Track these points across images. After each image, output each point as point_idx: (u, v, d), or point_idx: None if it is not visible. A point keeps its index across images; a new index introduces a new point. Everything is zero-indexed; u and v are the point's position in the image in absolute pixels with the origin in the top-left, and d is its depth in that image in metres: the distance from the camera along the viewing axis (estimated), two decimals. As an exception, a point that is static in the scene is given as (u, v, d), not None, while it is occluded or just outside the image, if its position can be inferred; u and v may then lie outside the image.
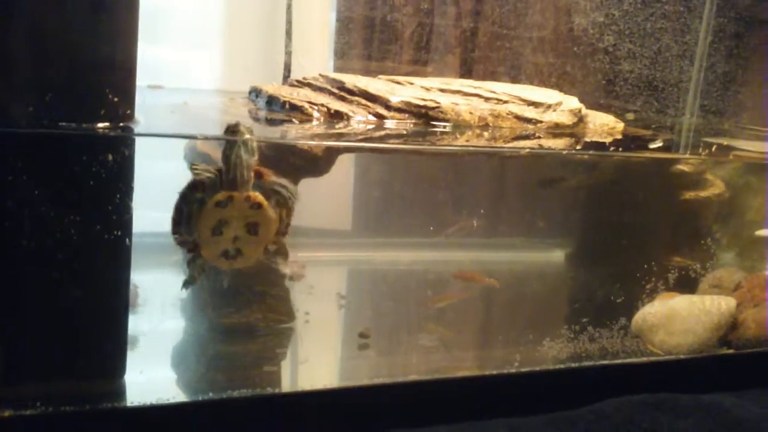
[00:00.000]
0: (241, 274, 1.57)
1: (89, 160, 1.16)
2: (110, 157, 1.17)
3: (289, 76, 2.06)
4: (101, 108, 1.18)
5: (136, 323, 1.55)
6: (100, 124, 1.20)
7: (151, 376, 1.41)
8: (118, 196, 1.19)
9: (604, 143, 1.84)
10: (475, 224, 2.06)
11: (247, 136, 1.32)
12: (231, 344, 1.57)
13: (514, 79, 2.15)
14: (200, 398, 1.36)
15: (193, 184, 1.32)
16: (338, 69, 2.19)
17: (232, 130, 1.32)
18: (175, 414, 1.30)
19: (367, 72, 2.01)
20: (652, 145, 1.83)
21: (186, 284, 1.40)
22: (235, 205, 1.33)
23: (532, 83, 2.11)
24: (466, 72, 2.26)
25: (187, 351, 1.55)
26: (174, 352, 1.53)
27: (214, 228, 1.33)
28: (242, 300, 1.60)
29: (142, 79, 1.98)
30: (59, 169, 1.16)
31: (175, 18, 2.04)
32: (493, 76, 2.20)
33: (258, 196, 1.35)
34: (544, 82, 2.14)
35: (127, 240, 1.26)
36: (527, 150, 1.66)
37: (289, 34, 2.10)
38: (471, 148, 1.73)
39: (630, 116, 2.21)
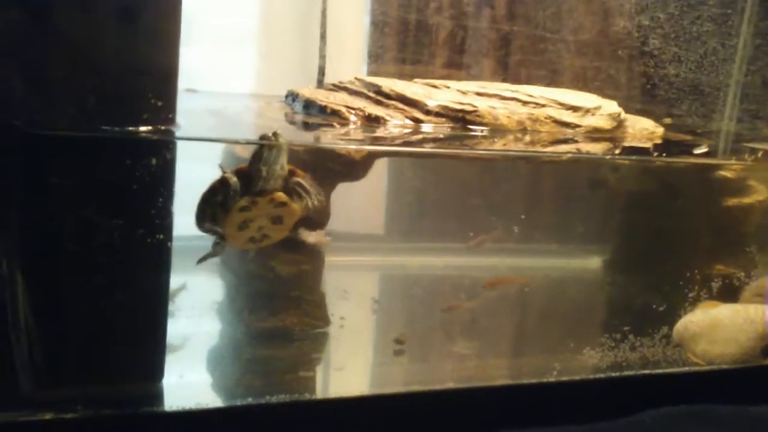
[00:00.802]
0: (277, 279, 1.57)
1: (132, 163, 1.16)
2: (153, 160, 1.17)
3: (323, 80, 2.06)
4: (144, 112, 1.18)
5: (174, 327, 1.56)
6: (143, 128, 1.20)
7: (189, 380, 1.41)
8: (159, 199, 1.19)
9: (644, 148, 1.81)
10: (499, 234, 2.03)
11: (281, 142, 1.33)
12: (267, 348, 1.57)
13: (553, 83, 2.13)
14: (236, 403, 1.36)
15: (213, 188, 1.34)
16: (372, 72, 2.18)
17: (265, 138, 1.33)
18: (211, 419, 1.30)
19: (401, 75, 2.01)
20: (697, 151, 1.80)
21: (203, 259, 1.41)
22: (260, 208, 1.36)
23: (571, 87, 2.08)
24: (503, 76, 2.24)
25: (223, 355, 1.55)
26: (210, 356, 1.54)
27: (240, 225, 1.36)
28: (278, 304, 1.59)
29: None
30: (102, 173, 1.16)
31: (211, 22, 2.05)
32: (530, 80, 2.18)
33: (282, 196, 1.38)
34: (584, 86, 2.11)
35: (168, 244, 1.26)
36: (568, 155, 1.63)
37: (323, 37, 2.10)
38: (506, 152, 1.71)
39: (668, 121, 2.18)
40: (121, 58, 1.15)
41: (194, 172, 1.47)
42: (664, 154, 1.76)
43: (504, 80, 2.15)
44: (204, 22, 2.05)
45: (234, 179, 1.34)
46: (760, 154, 1.87)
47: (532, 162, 1.95)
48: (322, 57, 2.11)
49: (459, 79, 2.09)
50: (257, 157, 1.34)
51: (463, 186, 2.08)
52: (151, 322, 1.28)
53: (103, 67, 1.13)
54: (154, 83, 1.19)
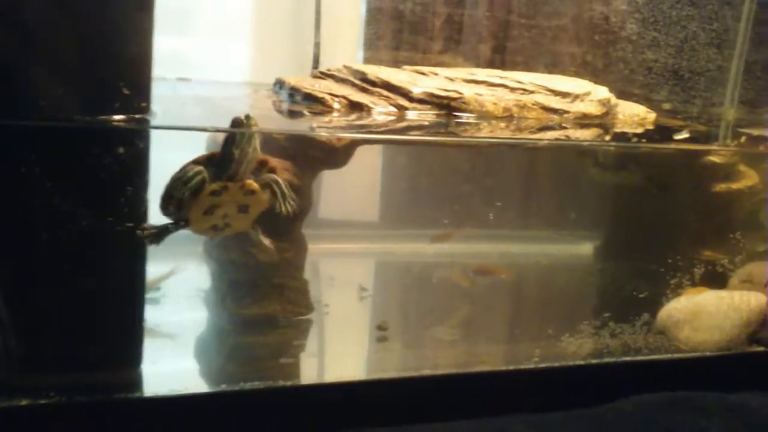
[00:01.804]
0: (259, 266, 1.58)
1: (102, 153, 1.17)
2: (122, 149, 1.17)
3: (317, 68, 2.05)
4: (115, 101, 1.18)
5: (154, 314, 1.57)
6: (115, 117, 1.20)
7: (169, 367, 1.42)
8: (131, 188, 1.20)
9: (631, 134, 1.79)
10: (467, 230, 2.03)
11: (251, 125, 1.32)
12: (249, 335, 1.58)
13: (550, 70, 2.11)
14: (217, 389, 1.36)
15: (183, 171, 1.32)
16: (368, 60, 2.18)
17: (236, 123, 1.32)
18: (190, 405, 1.31)
19: (397, 63, 2.00)
20: (678, 136, 1.78)
21: (152, 242, 1.33)
22: (230, 194, 1.35)
23: (568, 74, 2.07)
24: (499, 63, 2.22)
25: (205, 342, 1.56)
26: (192, 343, 1.54)
27: (206, 210, 1.35)
28: (261, 292, 1.60)
29: (171, 72, 2.03)
30: (72, 162, 1.17)
31: (205, 11, 2.06)
32: (526, 67, 2.16)
33: (252, 184, 1.36)
34: (580, 73, 2.09)
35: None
36: (545, 141, 1.62)
37: (317, 25, 2.09)
38: (485, 140, 1.70)
39: (666, 106, 2.16)
40: (90, 47, 1.15)
41: (174, 160, 1.48)
42: (644, 141, 1.75)
43: (501, 67, 2.14)
44: (199, 12, 2.06)
45: (200, 166, 1.33)
46: (743, 139, 1.85)
47: (517, 149, 1.94)
48: (317, 45, 2.10)
49: (455, 66, 2.08)
50: (229, 140, 1.33)
51: (450, 173, 2.07)
52: (127, 309, 1.29)
53: (71, 56, 1.14)
54: (125, 72, 1.20)
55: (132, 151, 1.20)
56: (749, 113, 2.23)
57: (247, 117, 1.32)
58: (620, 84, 2.04)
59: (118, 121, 1.20)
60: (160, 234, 1.33)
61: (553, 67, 2.14)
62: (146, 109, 1.26)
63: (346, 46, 2.21)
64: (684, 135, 1.78)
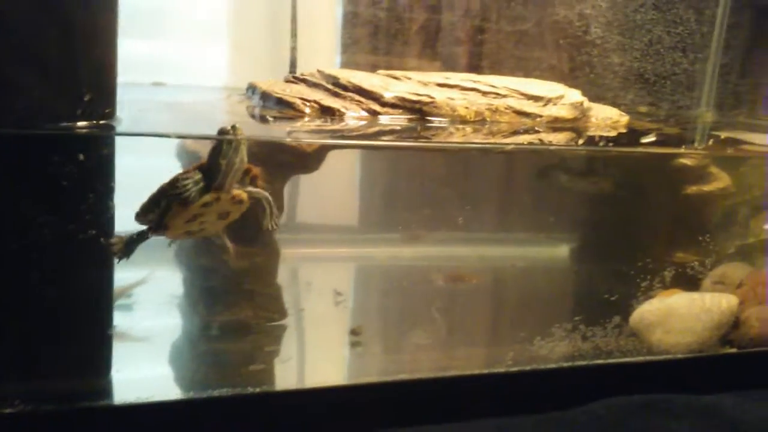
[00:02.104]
0: (231, 272, 1.57)
1: (62, 160, 1.16)
2: (84, 156, 1.16)
3: (294, 73, 2.05)
4: (77, 108, 1.17)
5: (125, 320, 1.56)
6: (79, 124, 1.20)
7: (139, 374, 1.41)
8: (93, 194, 1.19)
9: (598, 137, 1.80)
10: (437, 233, 2.03)
11: (239, 137, 1.31)
12: (221, 342, 1.57)
13: (527, 74, 2.11)
14: (188, 396, 1.36)
15: (174, 181, 1.31)
16: (345, 64, 2.18)
17: (223, 132, 1.31)
18: (159, 412, 1.30)
19: (374, 67, 2.00)
20: (645, 140, 1.78)
21: (122, 256, 1.33)
22: (220, 204, 1.34)
23: (545, 78, 2.07)
24: (476, 67, 2.22)
25: (176, 348, 1.55)
26: (163, 350, 1.53)
27: (190, 219, 1.34)
28: (232, 298, 1.59)
29: (147, 76, 2.02)
30: (34, 169, 1.16)
31: (182, 15, 2.05)
32: (504, 71, 2.17)
33: (242, 194, 1.36)
34: (559, 77, 2.09)
35: (109, 238, 1.26)
36: (511, 146, 1.62)
37: (294, 30, 2.09)
38: (450, 145, 1.70)
39: (643, 109, 2.16)
40: (49, 52, 1.14)
41: (142, 166, 1.47)
42: (611, 144, 1.75)
43: (478, 71, 2.14)
44: (175, 16, 2.05)
45: (199, 175, 1.32)
46: (710, 142, 1.85)
47: (490, 153, 1.94)
48: (293, 49, 2.10)
49: (433, 70, 2.08)
50: (216, 151, 1.32)
51: (422, 177, 2.07)
52: (94, 316, 1.28)
53: (29, 62, 1.13)
54: (87, 78, 1.19)
55: (94, 157, 1.19)
56: (721, 116, 2.25)
57: (233, 127, 1.30)
58: (596, 89, 2.04)
59: (81, 128, 1.19)
60: (130, 245, 1.32)
61: (531, 71, 2.15)
62: (111, 115, 1.25)
63: (323, 50, 2.21)
64: (651, 138, 1.78)
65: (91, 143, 1.18)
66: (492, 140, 1.69)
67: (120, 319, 1.55)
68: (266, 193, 1.40)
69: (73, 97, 1.16)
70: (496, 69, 2.18)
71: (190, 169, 1.33)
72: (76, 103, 1.17)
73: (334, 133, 1.65)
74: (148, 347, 1.53)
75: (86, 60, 1.17)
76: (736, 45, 2.19)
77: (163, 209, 1.32)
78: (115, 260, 1.32)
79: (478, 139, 1.69)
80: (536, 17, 2.10)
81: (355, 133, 1.63)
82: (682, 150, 1.85)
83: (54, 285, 1.21)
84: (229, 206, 1.36)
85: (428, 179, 2.08)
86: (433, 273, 2.00)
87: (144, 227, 1.34)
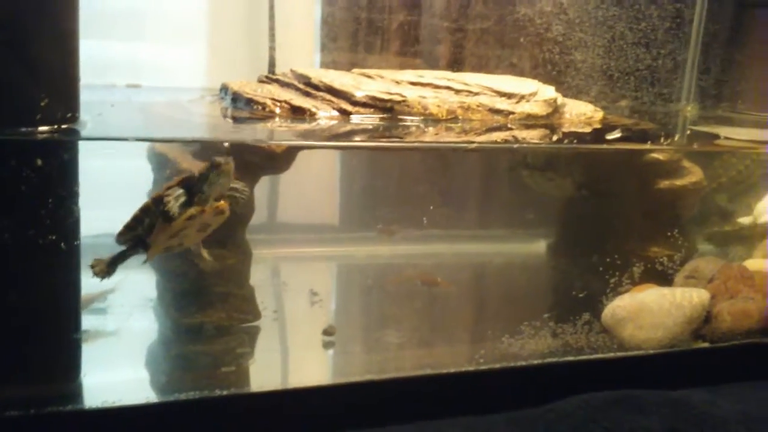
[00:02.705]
0: (202, 275, 1.57)
1: (22, 165, 1.15)
2: (43, 161, 1.16)
3: (274, 72, 2.05)
4: (36, 112, 1.17)
5: (97, 324, 1.56)
6: (40, 128, 1.19)
7: (110, 378, 1.41)
8: (53, 199, 1.19)
9: (562, 134, 1.80)
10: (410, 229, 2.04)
11: (229, 163, 1.34)
12: (193, 344, 1.57)
13: (509, 71, 2.11)
14: (157, 400, 1.35)
15: (157, 199, 1.33)
16: (324, 64, 2.17)
17: (216, 165, 1.33)
18: (128, 417, 1.29)
19: (354, 66, 2.00)
20: (610, 136, 1.78)
21: (104, 277, 1.37)
22: (204, 217, 1.37)
23: (526, 75, 2.07)
24: (457, 64, 2.22)
25: (148, 352, 1.54)
26: (135, 353, 1.53)
27: (173, 236, 1.36)
28: (205, 300, 1.59)
29: (122, 78, 2.01)
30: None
31: (158, 17, 2.04)
32: (485, 69, 2.17)
33: (224, 205, 1.38)
34: (541, 74, 2.09)
35: (74, 243, 1.26)
36: (475, 144, 1.62)
37: (272, 29, 2.08)
38: (416, 144, 1.70)
39: (623, 104, 2.16)
40: (7, 56, 1.14)
41: (107, 170, 1.48)
42: (575, 141, 1.75)
43: (459, 69, 2.13)
44: (153, 17, 2.04)
45: (180, 190, 1.34)
46: (676, 137, 1.86)
47: (459, 151, 1.95)
48: (272, 49, 2.10)
49: (413, 68, 2.08)
50: (203, 178, 1.34)
51: (394, 176, 2.07)
52: (60, 321, 1.28)
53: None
54: (47, 82, 1.19)
55: (54, 162, 1.18)
56: (704, 110, 2.25)
57: (227, 160, 1.34)
58: (577, 85, 2.04)
59: (41, 132, 1.19)
60: (112, 266, 1.35)
61: (512, 69, 2.14)
62: (73, 119, 1.25)
63: (301, 49, 2.20)
64: (617, 134, 1.78)
65: (50, 148, 1.18)
66: (456, 139, 1.69)
67: (92, 323, 1.56)
68: (235, 185, 1.41)
69: (31, 102, 1.15)
70: (477, 67, 2.18)
71: (172, 184, 1.35)
72: (34, 108, 1.16)
73: (304, 134, 1.64)
74: (119, 350, 1.53)
75: (42, 66, 1.17)
76: (715, 39, 2.20)
77: (146, 227, 1.34)
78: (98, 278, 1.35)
79: (448, 138, 1.69)
80: (513, 14, 2.09)
81: (325, 133, 1.62)
82: (644, 146, 1.84)
83: (16, 290, 1.21)
84: (210, 218, 1.38)
85: (398, 178, 2.09)
86: (406, 272, 2.01)
87: (124, 247, 1.36)
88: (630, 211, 1.92)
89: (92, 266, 1.34)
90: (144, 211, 1.34)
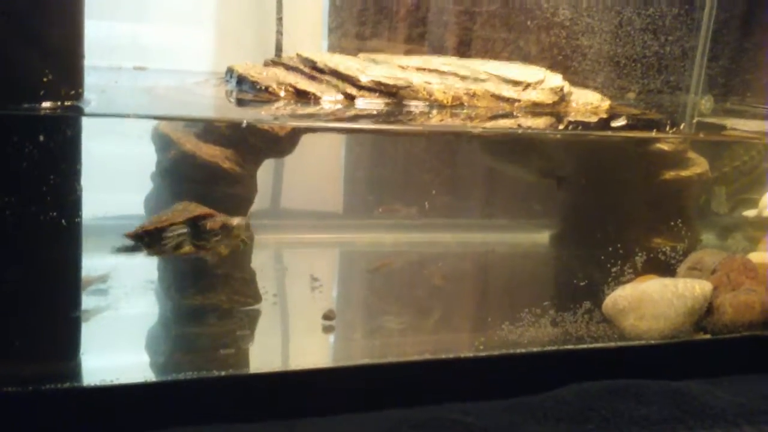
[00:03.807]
0: (204, 266, 1.57)
1: (23, 140, 1.15)
2: (46, 137, 1.16)
3: (280, 56, 2.04)
4: (39, 88, 1.17)
5: (98, 304, 1.57)
6: (43, 104, 1.19)
7: (109, 358, 1.41)
8: (54, 176, 1.18)
9: (566, 122, 1.79)
10: (411, 211, 2.03)
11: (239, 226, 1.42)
12: (193, 326, 1.57)
13: (516, 55, 2.09)
14: (158, 379, 1.36)
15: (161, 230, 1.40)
16: (331, 48, 2.17)
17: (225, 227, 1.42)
18: (126, 395, 1.29)
19: (361, 51, 1.99)
20: (614, 123, 1.77)
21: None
22: (202, 254, 1.45)
23: (533, 62, 2.05)
24: (464, 47, 2.20)
25: (148, 332, 1.55)
26: (135, 334, 1.53)
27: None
28: (206, 282, 1.59)
29: (129, 60, 2.01)
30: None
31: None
32: (491, 52, 2.15)
33: (225, 250, 1.47)
34: (548, 58, 2.06)
35: (75, 220, 1.26)
36: (479, 129, 1.62)
37: (279, 14, 2.07)
38: (421, 129, 1.69)
39: (632, 95, 2.15)
40: (13, 32, 1.13)
41: (113, 149, 1.48)
42: (579, 128, 1.74)
43: (467, 55, 2.12)
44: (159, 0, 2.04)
45: (185, 229, 1.40)
46: (682, 126, 1.84)
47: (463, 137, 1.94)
48: (279, 33, 2.09)
49: (420, 54, 2.07)
50: (211, 234, 1.40)
51: (407, 163, 2.07)
52: (59, 299, 1.28)
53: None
54: (51, 59, 1.18)
55: (57, 139, 1.18)
56: (715, 102, 2.22)
57: (238, 224, 1.42)
58: (583, 74, 2.02)
59: (45, 109, 1.19)
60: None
61: (518, 52, 2.12)
62: (78, 97, 1.25)
63: (309, 34, 2.20)
64: (621, 122, 1.77)
65: (53, 124, 1.18)
66: (458, 125, 1.68)
67: (92, 303, 1.56)
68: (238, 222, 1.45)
69: (34, 77, 1.15)
70: (484, 51, 2.16)
71: (177, 222, 1.40)
72: (37, 83, 1.16)
73: (308, 117, 1.64)
74: (118, 331, 1.53)
75: (46, 41, 1.16)
76: (726, 27, 2.17)
77: (145, 244, 1.41)
78: None
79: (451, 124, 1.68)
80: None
81: (328, 117, 1.62)
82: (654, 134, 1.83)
83: (16, 266, 1.21)
84: (209, 255, 1.45)
85: (401, 164, 2.08)
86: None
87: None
88: (636, 202, 1.91)
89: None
90: (146, 232, 1.40)
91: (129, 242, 1.43)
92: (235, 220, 1.43)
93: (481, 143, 2.04)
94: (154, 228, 1.39)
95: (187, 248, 1.40)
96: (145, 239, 1.40)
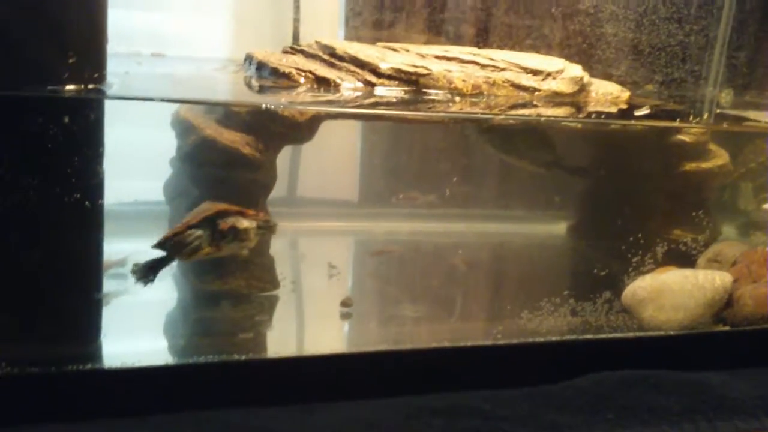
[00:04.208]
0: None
1: (47, 122, 1.16)
2: (69, 119, 1.16)
3: (297, 45, 2.04)
4: (64, 71, 1.17)
5: (117, 288, 1.57)
6: (67, 87, 1.20)
7: (127, 341, 1.42)
8: (79, 158, 1.19)
9: (597, 113, 1.78)
10: (431, 199, 2.03)
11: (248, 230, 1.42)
12: (211, 311, 1.57)
13: (539, 42, 2.08)
14: (178, 362, 1.36)
15: (179, 234, 1.41)
16: (348, 38, 2.16)
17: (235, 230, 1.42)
18: (144, 378, 1.30)
19: (378, 40, 1.98)
20: (638, 113, 1.76)
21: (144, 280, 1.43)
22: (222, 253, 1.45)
23: (557, 47, 2.03)
24: (485, 34, 2.18)
25: (167, 317, 1.55)
26: (154, 318, 1.54)
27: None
28: (224, 267, 1.59)
29: (147, 48, 2.01)
30: (18, 131, 1.16)
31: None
32: (514, 39, 2.13)
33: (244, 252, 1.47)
34: (571, 46, 2.04)
35: (98, 203, 1.26)
36: (501, 116, 1.61)
37: (296, 2, 2.07)
38: (442, 115, 1.69)
39: (650, 87, 2.13)
40: (38, 14, 1.14)
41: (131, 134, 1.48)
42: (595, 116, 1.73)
43: (484, 46, 2.11)
44: (178, -13, 2.04)
45: (200, 231, 1.41)
46: (705, 116, 1.82)
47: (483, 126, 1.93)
48: (296, 21, 2.09)
49: (438, 44, 2.06)
50: (223, 235, 1.41)
51: (423, 151, 2.06)
52: (82, 280, 1.28)
53: (18, 23, 1.12)
54: (75, 41, 1.19)
55: (80, 121, 1.18)
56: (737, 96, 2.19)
57: (246, 228, 1.42)
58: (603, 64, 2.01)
59: (69, 91, 1.19)
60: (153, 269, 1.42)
61: (542, 39, 2.10)
62: (101, 80, 1.25)
63: (326, 23, 2.19)
64: (645, 111, 1.76)
65: (77, 106, 1.18)
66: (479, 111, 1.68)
67: (113, 287, 1.56)
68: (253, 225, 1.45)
69: (58, 59, 1.16)
70: (506, 37, 2.14)
71: (194, 222, 1.41)
72: (61, 66, 1.16)
73: (328, 104, 1.64)
74: (138, 314, 1.54)
75: (70, 23, 1.17)
76: (751, 17, 2.14)
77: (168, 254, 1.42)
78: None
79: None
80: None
81: (349, 104, 1.62)
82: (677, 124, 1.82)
83: (39, 248, 1.22)
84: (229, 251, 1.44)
85: (420, 153, 2.07)
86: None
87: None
88: (656, 193, 1.89)
89: (132, 271, 1.41)
90: (167, 238, 1.41)
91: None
92: (245, 222, 1.43)
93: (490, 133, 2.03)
94: (174, 234, 1.41)
95: (207, 249, 1.40)
96: (169, 246, 1.41)
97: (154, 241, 1.44)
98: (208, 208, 1.44)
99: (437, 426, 1.26)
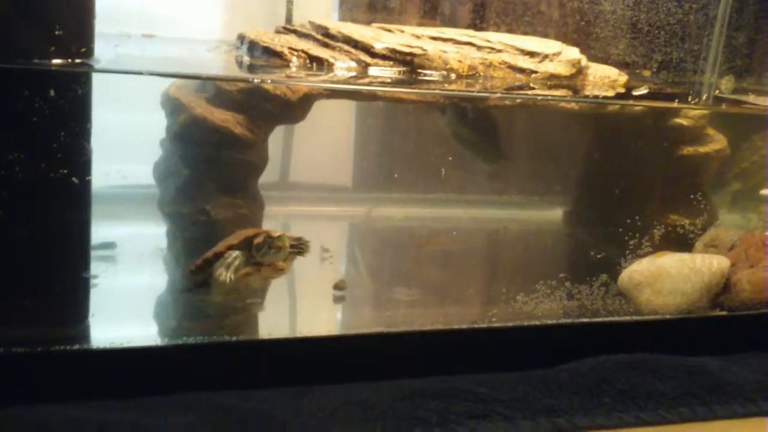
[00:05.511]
0: (213, 223, 1.55)
1: (33, 96, 1.13)
2: (55, 93, 1.13)
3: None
4: (50, 44, 1.14)
5: (106, 270, 1.55)
6: (54, 60, 1.17)
7: (118, 321, 1.40)
8: (63, 133, 1.16)
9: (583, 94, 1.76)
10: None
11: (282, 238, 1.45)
12: (203, 293, 1.54)
13: (537, 19, 2.05)
14: (168, 343, 1.34)
15: (219, 255, 1.44)
16: (342, 20, 2.13)
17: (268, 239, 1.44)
18: (137, 357, 1.28)
19: (372, 23, 1.95)
20: (636, 92, 1.74)
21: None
22: (262, 273, 1.48)
23: (555, 25, 2.00)
24: (482, 10, 2.15)
25: (156, 298, 1.52)
26: (143, 300, 1.51)
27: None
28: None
29: (138, 29, 1.98)
30: (3, 105, 1.13)
31: (176, -32, 2.01)
32: (511, 16, 2.10)
33: (283, 265, 1.50)
34: (570, 24, 2.01)
35: (85, 178, 1.24)
36: (497, 95, 1.59)
37: (290, -18, 2.04)
38: (436, 92, 1.66)
39: (647, 73, 2.11)
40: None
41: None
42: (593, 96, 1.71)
43: (482, 27, 2.08)
44: (170, -32, 2.01)
45: (237, 254, 1.44)
46: (704, 97, 1.80)
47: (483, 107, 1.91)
48: (290, 2, 2.06)
49: (434, 26, 2.04)
50: (258, 248, 1.43)
51: (421, 135, 2.04)
52: (69, 258, 1.26)
53: None
54: (61, 15, 1.16)
55: (67, 96, 1.16)
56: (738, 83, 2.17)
57: (280, 237, 1.45)
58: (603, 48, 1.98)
59: (55, 65, 1.16)
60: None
61: (540, 16, 2.07)
62: (88, 54, 1.22)
63: (320, 5, 2.16)
64: (643, 90, 1.74)
65: (64, 80, 1.15)
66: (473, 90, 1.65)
67: (102, 269, 1.54)
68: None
69: (44, 33, 1.12)
70: (503, 14, 2.11)
71: (234, 243, 1.44)
72: (47, 39, 1.13)
73: (320, 83, 1.61)
74: (127, 295, 1.52)
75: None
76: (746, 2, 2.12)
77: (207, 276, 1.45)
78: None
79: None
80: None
81: (341, 84, 1.59)
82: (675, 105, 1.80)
83: (25, 224, 1.19)
84: (270, 274, 1.48)
85: (414, 136, 2.05)
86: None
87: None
88: (653, 177, 1.88)
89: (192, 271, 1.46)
90: (206, 261, 1.44)
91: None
92: (278, 232, 1.46)
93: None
94: (213, 255, 1.44)
95: (246, 269, 1.43)
96: (206, 269, 1.44)
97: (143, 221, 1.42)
98: (242, 233, 1.47)
99: (432, 409, 1.24)
